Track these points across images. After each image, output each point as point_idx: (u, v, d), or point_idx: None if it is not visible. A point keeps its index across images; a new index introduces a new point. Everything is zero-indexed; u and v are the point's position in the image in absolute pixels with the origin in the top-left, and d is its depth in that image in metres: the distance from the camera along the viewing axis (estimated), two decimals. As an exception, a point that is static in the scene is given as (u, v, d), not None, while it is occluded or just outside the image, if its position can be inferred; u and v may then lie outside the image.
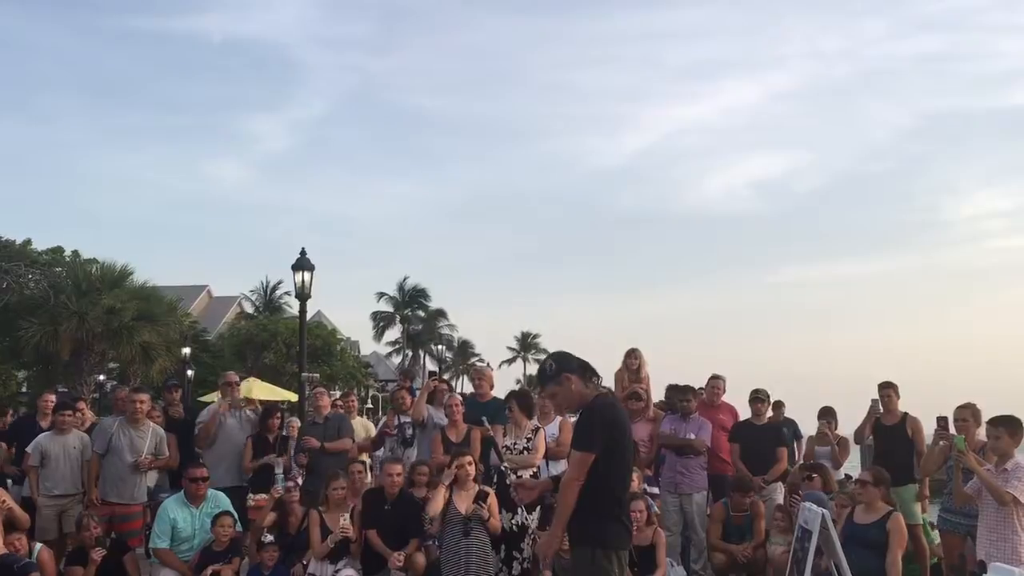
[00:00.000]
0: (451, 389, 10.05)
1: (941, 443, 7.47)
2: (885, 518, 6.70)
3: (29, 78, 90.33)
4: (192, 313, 42.46)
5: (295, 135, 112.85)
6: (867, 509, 6.83)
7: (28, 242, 31.99)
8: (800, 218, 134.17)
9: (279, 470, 8.43)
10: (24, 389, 31.87)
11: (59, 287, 28.63)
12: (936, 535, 8.28)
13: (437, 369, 56.22)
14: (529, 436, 8.21)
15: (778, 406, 10.52)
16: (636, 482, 8.05)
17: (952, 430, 7.22)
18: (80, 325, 27.07)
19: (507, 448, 8.17)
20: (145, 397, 8.61)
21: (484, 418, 8.42)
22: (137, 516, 8.33)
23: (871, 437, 9.22)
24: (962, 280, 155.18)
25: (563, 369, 4.62)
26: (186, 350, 31.52)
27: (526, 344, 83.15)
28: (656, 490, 8.96)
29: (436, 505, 7.32)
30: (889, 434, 8.84)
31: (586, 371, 4.67)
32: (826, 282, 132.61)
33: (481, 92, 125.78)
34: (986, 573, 5.39)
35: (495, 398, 9.23)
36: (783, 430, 9.81)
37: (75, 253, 32.34)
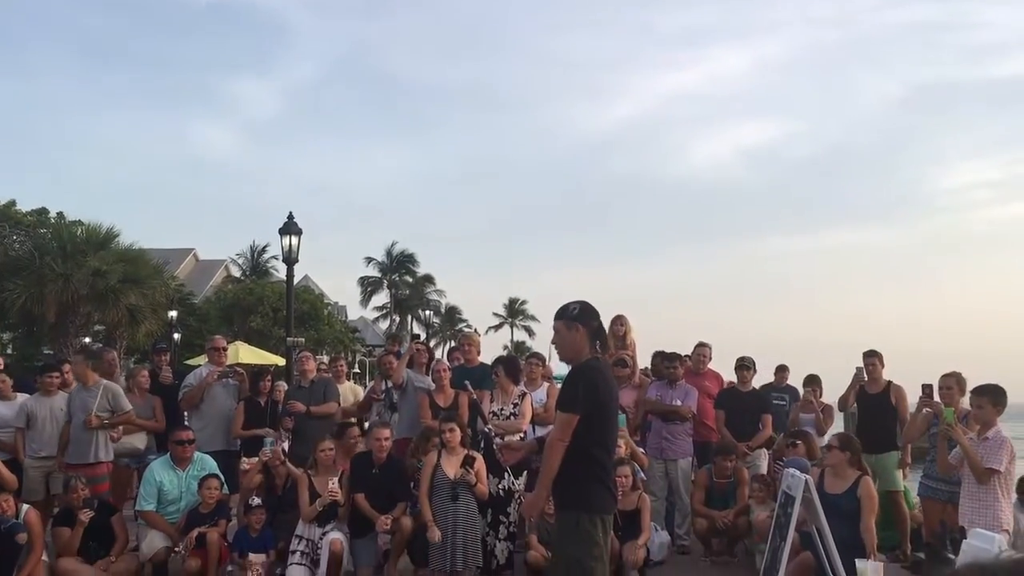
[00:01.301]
0: (429, 351, 10.05)
1: (925, 410, 7.54)
2: (855, 485, 6.69)
3: (13, 38, 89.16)
4: (178, 276, 42.25)
5: (284, 99, 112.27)
6: (836, 476, 6.79)
7: (12, 203, 31.68)
8: (788, 187, 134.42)
9: (266, 436, 8.47)
10: (9, 351, 31.72)
11: (44, 249, 28.36)
12: (916, 501, 8.38)
13: (422, 334, 56.27)
14: (516, 402, 8.25)
15: (782, 370, 10.53)
16: (623, 448, 8.10)
17: (937, 398, 7.29)
18: (65, 287, 26.85)
19: (494, 414, 8.20)
20: (76, 359, 8.63)
21: (467, 382, 8.44)
22: (103, 478, 8.19)
23: (855, 405, 9.30)
24: (948, 250, 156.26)
25: (580, 319, 4.61)
26: (172, 313, 31.40)
27: (513, 311, 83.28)
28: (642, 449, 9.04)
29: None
30: (873, 402, 8.91)
31: (597, 336, 4.67)
32: (813, 251, 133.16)
33: (471, 58, 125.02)
34: (967, 539, 5.46)
35: (482, 364, 9.25)
36: (768, 397, 9.87)
37: (60, 215, 32.04)
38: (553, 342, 4.76)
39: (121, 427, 8.58)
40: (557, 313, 4.70)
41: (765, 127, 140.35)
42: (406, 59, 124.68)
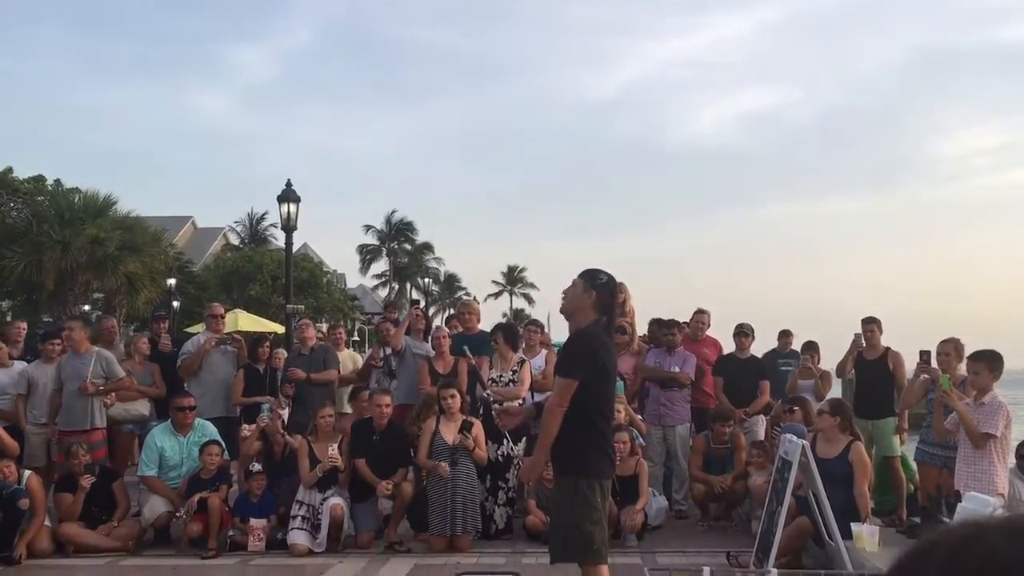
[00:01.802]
0: (426, 318, 10.06)
1: (923, 376, 7.57)
2: (846, 450, 6.70)
3: (9, 8, 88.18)
4: (177, 244, 42.16)
5: (281, 66, 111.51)
6: (828, 442, 6.80)
7: (9, 170, 31.48)
8: (788, 153, 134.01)
9: (265, 403, 8.51)
10: (8, 319, 31.75)
11: (42, 216, 28.29)
12: (913, 466, 8.44)
13: (421, 300, 56.27)
14: (515, 368, 8.28)
15: (785, 335, 10.53)
16: (622, 414, 8.15)
17: (934, 364, 7.31)
18: (64, 255, 26.82)
19: (493, 380, 8.24)
20: (74, 324, 8.63)
21: (466, 348, 8.46)
22: (100, 443, 8.24)
23: (852, 371, 9.33)
24: (949, 216, 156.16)
25: (598, 288, 4.61)
26: (171, 281, 31.37)
27: (512, 278, 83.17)
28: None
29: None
30: (871, 368, 8.94)
31: (606, 308, 4.66)
32: (813, 218, 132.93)
33: (470, 23, 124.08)
34: (961, 502, 5.51)
35: (482, 331, 9.27)
36: (773, 362, 9.90)
37: (57, 182, 31.88)
38: (564, 291, 4.75)
39: (114, 393, 8.61)
40: (584, 272, 4.72)
41: (766, 93, 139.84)
42: (405, 25, 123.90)
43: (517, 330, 9.16)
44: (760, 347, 9.82)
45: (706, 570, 3.93)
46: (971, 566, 0.71)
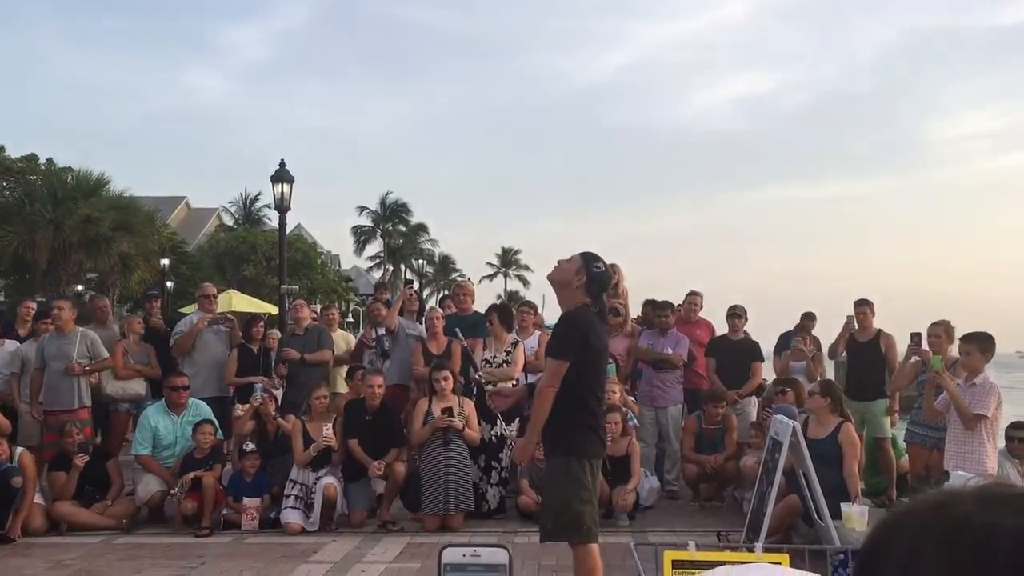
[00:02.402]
0: (419, 296, 10.06)
1: (914, 359, 7.60)
2: (836, 431, 6.74)
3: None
4: (171, 224, 42.01)
5: (276, 45, 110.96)
6: (818, 423, 6.85)
7: (1, 148, 31.35)
8: (785, 137, 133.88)
9: (258, 383, 8.52)
10: (1, 298, 31.65)
11: (34, 195, 28.19)
12: (903, 448, 8.50)
13: (415, 280, 56.18)
14: (508, 349, 8.30)
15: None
16: (618, 394, 8.18)
17: (925, 346, 7.34)
18: (56, 234, 26.74)
19: (487, 361, 8.26)
20: (64, 304, 8.61)
21: (457, 329, 8.47)
22: (86, 422, 8.20)
23: (844, 353, 9.36)
24: (946, 200, 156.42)
25: (591, 274, 4.59)
26: (165, 261, 31.29)
27: (507, 260, 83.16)
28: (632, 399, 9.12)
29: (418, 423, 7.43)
30: (862, 350, 8.97)
31: (595, 287, 4.65)
32: (809, 201, 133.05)
33: (466, 4, 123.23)
34: (948, 481, 5.55)
35: (476, 312, 9.28)
36: (758, 345, 9.92)
37: (50, 161, 31.73)
38: (559, 261, 4.72)
39: (98, 372, 8.62)
40: (586, 253, 4.68)
41: (763, 76, 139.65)
42: (401, 4, 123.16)
43: (512, 311, 9.17)
44: (775, 329, 9.86)
45: (691, 544, 3.96)
46: (941, 533, 0.72)
